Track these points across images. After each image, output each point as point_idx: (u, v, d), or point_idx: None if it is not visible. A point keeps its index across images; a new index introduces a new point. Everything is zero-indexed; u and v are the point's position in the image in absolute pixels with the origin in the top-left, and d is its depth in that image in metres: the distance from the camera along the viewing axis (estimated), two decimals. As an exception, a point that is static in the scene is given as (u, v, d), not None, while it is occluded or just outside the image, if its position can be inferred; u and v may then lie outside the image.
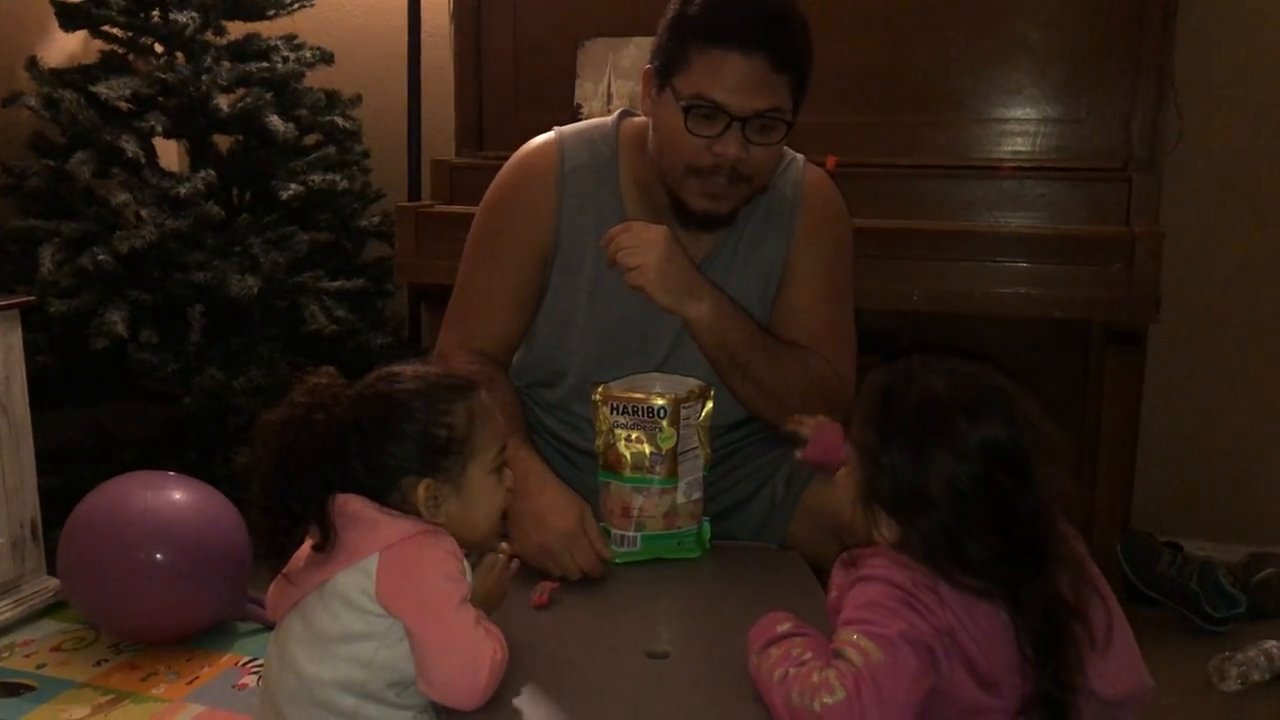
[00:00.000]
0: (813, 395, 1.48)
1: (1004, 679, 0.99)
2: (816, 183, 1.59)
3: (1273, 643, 2.08)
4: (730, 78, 1.36)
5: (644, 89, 1.49)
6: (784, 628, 1.08)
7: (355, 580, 1.04)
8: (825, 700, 0.95)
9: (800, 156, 1.61)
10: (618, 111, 1.60)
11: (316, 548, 1.05)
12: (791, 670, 1.00)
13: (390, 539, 1.04)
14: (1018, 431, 0.99)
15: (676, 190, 1.46)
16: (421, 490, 1.08)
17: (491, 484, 1.13)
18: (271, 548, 1.08)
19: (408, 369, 1.12)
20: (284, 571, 1.09)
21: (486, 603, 1.12)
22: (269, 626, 2.14)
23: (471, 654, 1.02)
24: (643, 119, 1.53)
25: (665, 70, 1.42)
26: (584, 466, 1.51)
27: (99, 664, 2.04)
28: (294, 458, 1.05)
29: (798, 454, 1.39)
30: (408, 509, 1.08)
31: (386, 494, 1.08)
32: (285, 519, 1.06)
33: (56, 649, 2.10)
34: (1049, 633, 0.98)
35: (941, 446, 0.98)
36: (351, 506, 1.06)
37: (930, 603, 0.97)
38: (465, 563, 1.08)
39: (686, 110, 1.39)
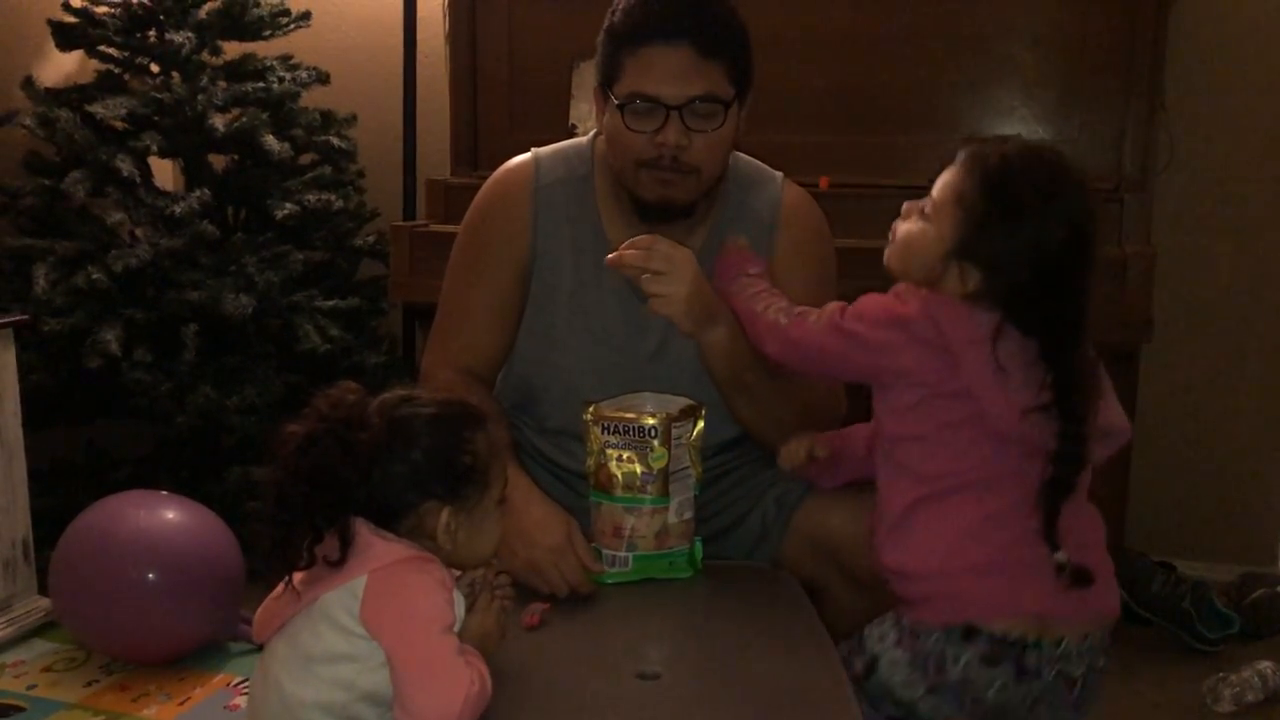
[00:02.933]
0: (809, 417, 1.49)
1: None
2: (795, 202, 1.60)
3: (1266, 663, 2.08)
4: (658, 70, 1.40)
5: (596, 107, 1.52)
6: (755, 270, 1.39)
7: (342, 600, 1.03)
8: (811, 319, 1.27)
9: (780, 175, 1.62)
10: (593, 130, 1.61)
11: (330, 562, 1.04)
12: (771, 305, 1.32)
13: (380, 561, 1.04)
14: (1090, 220, 1.20)
15: (632, 187, 1.48)
16: (444, 517, 1.08)
17: (497, 514, 1.14)
18: (284, 562, 1.06)
19: (421, 394, 1.12)
20: (273, 594, 1.08)
21: (484, 643, 1.11)
22: (261, 647, 2.16)
23: (448, 682, 1.01)
24: None
25: (606, 83, 1.47)
26: (575, 487, 1.51)
27: (90, 685, 2.03)
28: (326, 473, 1.03)
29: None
30: (420, 534, 1.08)
31: (402, 518, 1.07)
32: (306, 534, 1.04)
33: (47, 669, 2.09)
34: (1077, 385, 1.18)
35: (1040, 217, 1.18)
36: (354, 528, 1.05)
37: (918, 333, 1.19)
38: (457, 594, 1.08)
39: (622, 109, 1.42)
